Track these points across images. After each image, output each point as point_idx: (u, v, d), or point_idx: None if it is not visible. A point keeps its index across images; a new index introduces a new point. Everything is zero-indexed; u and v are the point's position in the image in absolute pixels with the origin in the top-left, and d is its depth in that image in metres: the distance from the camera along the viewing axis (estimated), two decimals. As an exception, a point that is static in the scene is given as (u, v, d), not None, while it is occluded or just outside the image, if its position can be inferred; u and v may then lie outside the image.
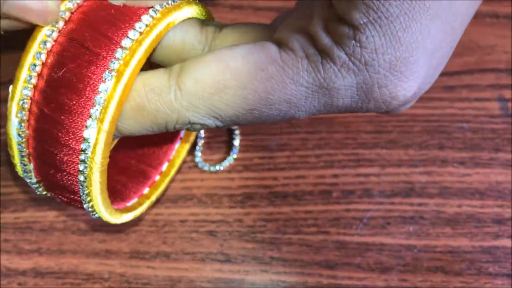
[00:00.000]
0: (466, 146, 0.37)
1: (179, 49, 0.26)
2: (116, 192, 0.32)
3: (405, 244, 0.35)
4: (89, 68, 0.23)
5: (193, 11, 0.25)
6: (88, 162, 0.24)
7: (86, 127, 0.23)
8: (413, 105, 0.38)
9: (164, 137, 0.34)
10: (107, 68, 0.23)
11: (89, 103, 0.23)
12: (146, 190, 0.33)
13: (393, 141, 0.37)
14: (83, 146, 0.23)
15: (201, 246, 0.35)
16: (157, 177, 0.34)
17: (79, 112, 0.23)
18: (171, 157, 0.35)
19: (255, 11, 0.41)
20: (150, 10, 0.24)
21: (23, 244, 0.35)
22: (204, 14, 0.26)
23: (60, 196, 0.27)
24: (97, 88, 0.23)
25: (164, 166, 0.34)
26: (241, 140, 0.37)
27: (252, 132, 0.37)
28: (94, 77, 0.23)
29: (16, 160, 0.26)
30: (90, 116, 0.23)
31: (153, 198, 0.33)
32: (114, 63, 0.23)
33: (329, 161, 0.37)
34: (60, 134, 0.24)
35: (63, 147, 0.24)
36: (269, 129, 0.37)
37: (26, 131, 0.24)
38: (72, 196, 0.26)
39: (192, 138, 0.35)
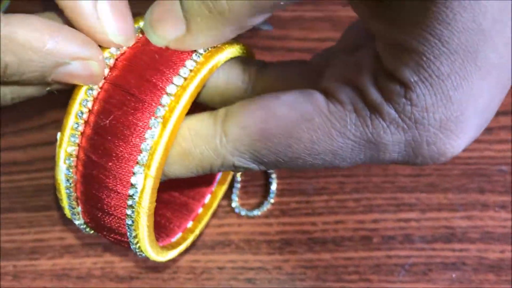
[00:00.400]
0: (506, 190, 0.37)
1: (223, 89, 0.26)
2: (161, 227, 0.32)
3: (448, 292, 0.35)
4: (135, 115, 0.23)
5: (235, 50, 0.25)
6: (135, 207, 0.24)
7: (133, 173, 0.23)
8: (451, 147, 0.37)
9: None
10: (153, 115, 0.23)
11: (136, 149, 0.23)
12: (189, 224, 0.33)
13: (432, 185, 0.37)
14: (130, 191, 0.23)
15: (241, 294, 0.35)
16: (200, 210, 0.34)
17: (126, 159, 0.23)
18: (213, 189, 0.35)
19: (287, 52, 0.41)
20: (193, 54, 0.24)
21: (60, 292, 0.35)
22: (245, 52, 0.26)
23: (107, 237, 0.27)
24: (144, 135, 0.23)
25: (207, 198, 0.34)
26: (277, 184, 0.37)
27: (289, 175, 0.37)
28: (140, 124, 0.23)
29: (65, 203, 0.26)
30: (137, 163, 0.23)
31: (197, 232, 0.33)
32: (159, 110, 0.23)
33: (368, 205, 0.36)
34: (107, 180, 0.24)
35: (110, 192, 0.24)
36: (305, 173, 0.37)
37: (74, 176, 0.25)
38: (119, 238, 0.26)
39: None
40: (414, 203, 0.36)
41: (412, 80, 0.21)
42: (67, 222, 0.36)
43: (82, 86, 0.24)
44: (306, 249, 0.36)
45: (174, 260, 0.35)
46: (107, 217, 0.25)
